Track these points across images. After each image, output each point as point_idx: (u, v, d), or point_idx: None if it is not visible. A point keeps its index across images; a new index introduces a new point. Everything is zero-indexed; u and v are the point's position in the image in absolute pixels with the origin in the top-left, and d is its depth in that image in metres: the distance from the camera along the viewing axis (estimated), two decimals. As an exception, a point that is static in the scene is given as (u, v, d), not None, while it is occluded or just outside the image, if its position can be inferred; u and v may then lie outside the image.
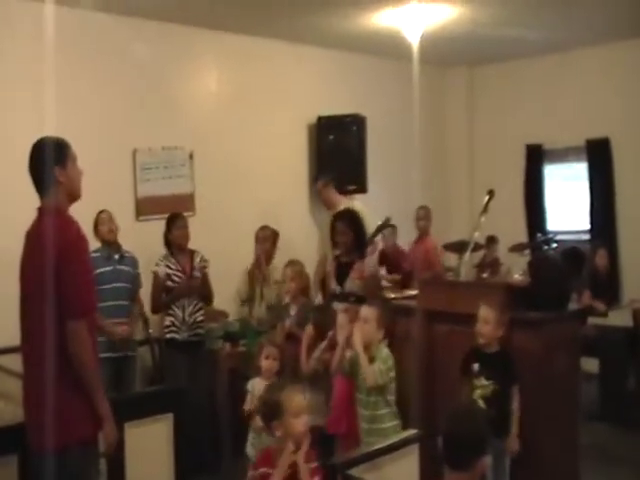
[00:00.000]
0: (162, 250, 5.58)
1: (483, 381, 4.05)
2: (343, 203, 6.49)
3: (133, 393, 5.03)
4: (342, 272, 5.39)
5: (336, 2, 5.97)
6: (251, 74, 6.96)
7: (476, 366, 4.09)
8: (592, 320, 6.24)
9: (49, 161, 3.04)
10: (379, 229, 5.78)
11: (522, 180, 8.43)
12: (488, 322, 4.06)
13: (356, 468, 2.70)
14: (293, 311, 5.10)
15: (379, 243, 6.10)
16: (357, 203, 6.49)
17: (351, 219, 5.62)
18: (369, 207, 6.57)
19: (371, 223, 6.02)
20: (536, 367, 4.25)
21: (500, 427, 3.87)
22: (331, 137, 7.26)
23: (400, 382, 4.21)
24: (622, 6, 6.27)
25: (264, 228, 6.14)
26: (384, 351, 4.22)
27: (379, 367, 4.13)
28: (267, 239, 6.07)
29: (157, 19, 6.13)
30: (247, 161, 6.85)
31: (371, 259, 5.45)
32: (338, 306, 4.80)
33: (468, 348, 4.19)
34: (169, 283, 5.48)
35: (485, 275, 6.58)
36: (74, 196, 3.14)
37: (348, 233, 5.46)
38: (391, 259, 6.71)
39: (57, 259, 2.89)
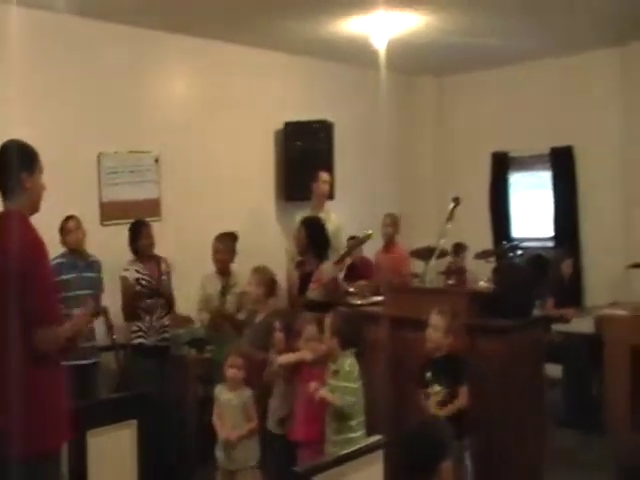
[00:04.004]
0: (127, 255, 5.53)
1: (436, 388, 4.10)
2: (324, 209, 6.50)
3: (96, 400, 4.95)
4: (305, 282, 5.36)
5: (304, 9, 5.98)
6: (219, 79, 6.94)
7: (429, 375, 4.14)
8: (556, 327, 6.31)
9: (17, 165, 2.99)
10: (356, 245, 5.78)
11: (488, 188, 8.51)
12: (438, 329, 4.12)
13: (319, 475, 2.68)
14: (259, 318, 5.06)
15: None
16: (335, 217, 6.48)
17: (310, 225, 5.60)
18: (336, 214, 6.59)
19: (344, 237, 6.04)
20: (501, 373, 4.29)
21: (457, 429, 3.89)
22: (298, 143, 7.26)
23: (366, 389, 4.20)
24: (586, 18, 6.38)
25: (221, 237, 5.95)
26: (347, 362, 4.07)
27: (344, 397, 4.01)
28: (225, 250, 5.92)
29: (124, 23, 6.09)
30: (214, 166, 6.82)
31: (329, 265, 5.42)
32: (307, 315, 4.79)
33: (419, 357, 4.22)
34: (138, 288, 5.43)
35: (451, 282, 6.62)
36: (34, 207, 3.08)
37: (307, 237, 5.45)
38: (360, 271, 6.73)
39: (21, 266, 2.84)
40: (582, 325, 6.48)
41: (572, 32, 6.90)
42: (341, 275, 6.34)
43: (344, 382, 4.00)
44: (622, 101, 7.46)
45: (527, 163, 8.41)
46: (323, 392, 4.02)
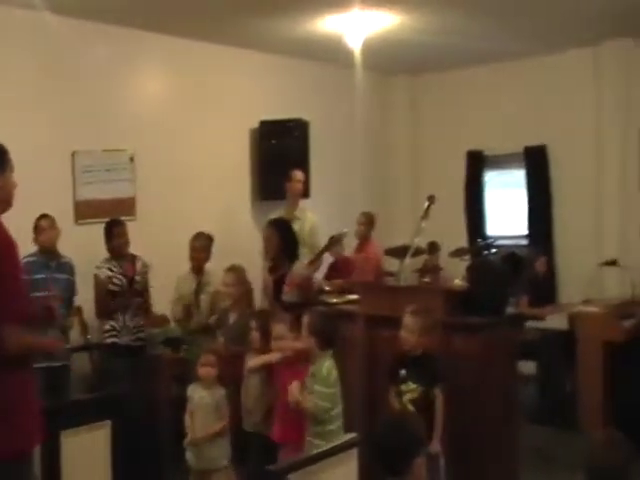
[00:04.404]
0: (102, 254, 5.50)
1: (411, 385, 4.10)
2: (300, 208, 6.49)
3: (69, 400, 4.91)
4: (279, 286, 5.36)
5: (279, 7, 5.97)
6: (194, 78, 6.91)
7: (403, 372, 4.15)
8: (530, 324, 6.36)
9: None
10: (329, 245, 5.79)
11: (463, 186, 8.56)
12: (413, 330, 4.11)
13: (295, 474, 2.69)
14: (232, 318, 5.06)
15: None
16: (311, 215, 6.47)
17: (277, 226, 5.60)
18: (312, 212, 6.59)
19: (322, 236, 6.04)
20: (475, 371, 4.32)
21: (431, 428, 3.92)
22: (273, 142, 7.25)
23: (342, 387, 4.21)
24: (559, 18, 6.43)
25: (198, 236, 5.97)
26: (325, 366, 4.04)
27: (317, 402, 3.99)
28: (202, 248, 5.93)
29: (99, 21, 6.04)
30: (189, 165, 6.79)
31: (299, 265, 5.42)
32: (281, 315, 4.78)
33: (393, 354, 4.23)
34: (111, 286, 5.40)
35: (426, 280, 6.65)
36: (5, 205, 3.04)
37: (274, 238, 5.44)
38: (341, 270, 6.74)
39: None
40: (556, 322, 6.56)
41: (545, 32, 6.96)
42: (320, 274, 6.35)
43: (319, 386, 3.99)
44: (595, 100, 7.53)
45: (501, 162, 8.47)
46: (296, 395, 4.02)
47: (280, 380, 4.34)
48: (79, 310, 5.51)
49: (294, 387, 4.07)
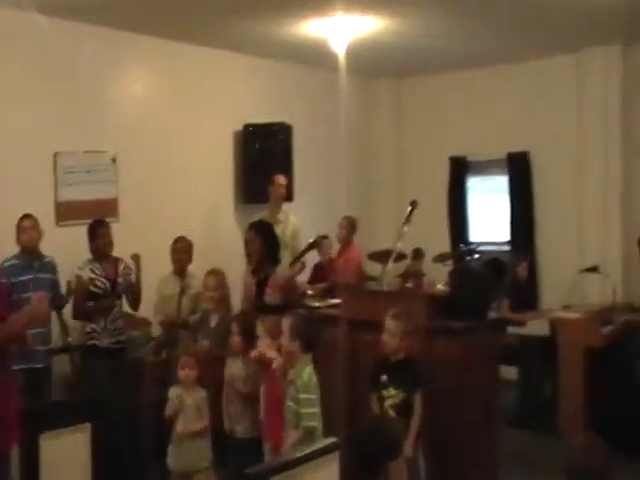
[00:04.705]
0: (83, 256, 5.46)
1: (392, 391, 4.12)
2: (283, 212, 6.49)
3: (48, 402, 4.87)
4: (261, 288, 5.35)
5: (264, 11, 5.97)
6: (178, 80, 6.89)
7: (384, 377, 4.15)
8: (511, 329, 6.40)
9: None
10: (308, 248, 5.80)
11: (446, 191, 8.59)
12: (394, 334, 4.13)
13: (275, 477, 2.68)
14: (213, 321, 5.06)
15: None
16: (293, 218, 6.48)
17: (260, 229, 5.62)
18: (295, 215, 6.59)
19: (303, 240, 6.05)
20: (456, 375, 4.34)
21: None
22: (257, 145, 7.24)
23: (324, 391, 4.21)
24: (543, 24, 6.47)
25: (179, 239, 5.97)
26: (305, 372, 4.02)
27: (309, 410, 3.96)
28: (184, 250, 5.93)
29: (83, 21, 6.00)
30: (173, 167, 6.76)
31: (283, 268, 5.43)
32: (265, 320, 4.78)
33: (375, 359, 4.23)
34: (92, 288, 5.36)
35: (409, 285, 6.67)
36: None
37: (257, 241, 5.45)
38: (325, 273, 6.76)
39: None
40: (537, 328, 6.59)
41: (530, 38, 6.99)
42: (303, 277, 6.36)
43: (305, 394, 3.95)
44: (577, 107, 7.59)
45: (484, 167, 8.50)
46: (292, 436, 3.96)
47: (270, 382, 4.33)
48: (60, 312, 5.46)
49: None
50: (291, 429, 3.99)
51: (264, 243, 5.49)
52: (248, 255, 5.65)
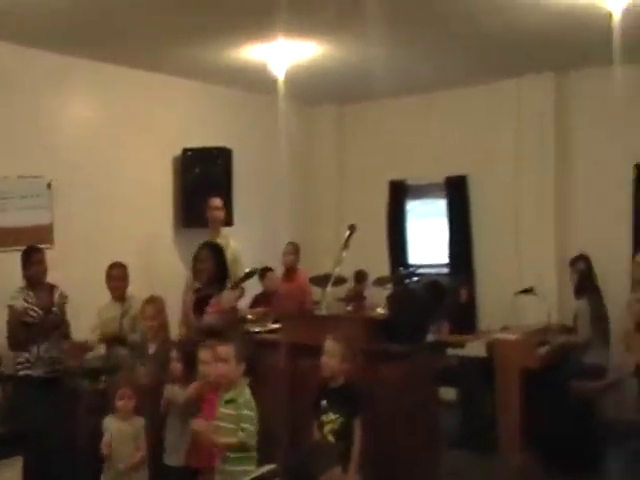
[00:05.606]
0: (16, 284, 5.33)
1: (331, 416, 4.11)
2: (222, 236, 6.46)
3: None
4: (201, 306, 5.34)
5: (203, 35, 5.97)
6: (117, 104, 6.83)
7: (324, 403, 4.15)
8: (450, 351, 6.46)
9: None
10: (245, 277, 5.80)
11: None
12: (333, 355, 4.14)
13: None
14: (152, 349, 5.00)
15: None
16: (233, 243, 6.46)
17: (215, 249, 5.63)
18: (236, 241, 6.56)
19: (243, 266, 6.04)
20: (396, 397, 4.36)
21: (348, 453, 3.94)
22: (197, 170, 7.21)
23: (263, 417, 4.18)
24: (483, 51, 6.62)
25: (114, 265, 5.89)
26: (246, 390, 4.01)
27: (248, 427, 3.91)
28: (119, 277, 5.85)
29: (19, 43, 5.91)
30: (111, 192, 6.68)
31: (229, 293, 5.42)
32: (199, 342, 4.72)
33: (316, 385, 4.23)
34: (26, 318, 5.23)
35: (350, 308, 6.70)
36: None
37: (209, 261, 5.46)
38: (266, 300, 6.75)
39: None
40: (476, 349, 6.66)
41: (469, 64, 7.14)
42: (242, 303, 6.33)
43: (247, 411, 3.92)
44: (513, 132, 7.76)
45: (423, 191, 8.62)
46: (216, 437, 3.92)
47: (206, 405, 4.27)
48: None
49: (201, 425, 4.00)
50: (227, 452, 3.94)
51: (216, 264, 5.50)
52: (197, 272, 5.61)
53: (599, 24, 5.42)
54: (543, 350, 6.06)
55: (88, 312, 5.75)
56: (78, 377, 5.63)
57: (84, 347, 5.76)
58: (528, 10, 5.48)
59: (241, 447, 3.88)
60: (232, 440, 3.85)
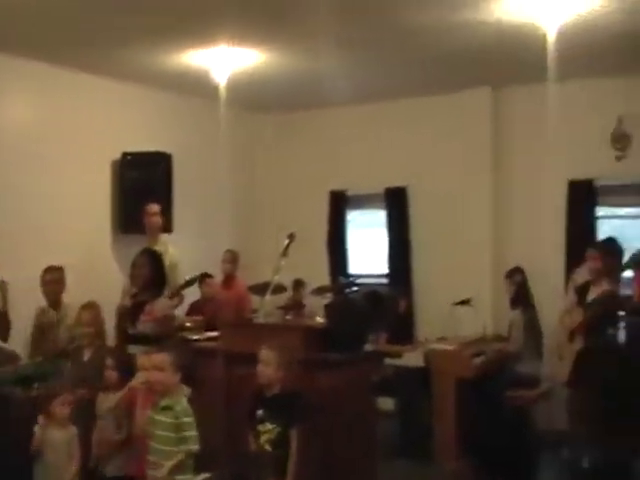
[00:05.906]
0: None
1: (268, 426, 4.10)
2: (161, 242, 6.39)
3: None
4: (136, 312, 5.28)
5: (144, 39, 5.91)
6: (55, 106, 6.69)
7: (260, 412, 4.14)
8: (388, 361, 6.51)
9: None
10: (186, 285, 5.75)
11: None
12: (269, 363, 4.14)
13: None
14: (87, 355, 4.91)
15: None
16: (172, 250, 6.39)
17: (152, 256, 5.59)
18: (175, 247, 6.49)
19: (182, 273, 6.00)
20: (334, 407, 4.37)
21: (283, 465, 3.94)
22: (136, 174, 7.11)
23: (200, 426, 4.14)
24: (425, 64, 6.72)
25: (48, 270, 5.75)
26: (183, 398, 4.01)
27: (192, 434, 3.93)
28: (54, 281, 5.72)
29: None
30: (48, 196, 6.52)
31: (164, 300, 5.36)
32: (134, 349, 4.67)
33: (251, 394, 4.22)
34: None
35: (289, 317, 6.69)
36: None
37: (147, 267, 5.41)
38: (204, 308, 6.69)
39: None
40: (413, 359, 6.73)
41: (412, 76, 7.22)
42: (179, 310, 6.27)
43: (186, 417, 3.91)
44: (452, 145, 7.87)
45: (364, 202, 8.68)
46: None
47: (139, 412, 4.22)
48: None
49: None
50: (162, 460, 3.89)
51: (154, 271, 5.46)
52: (134, 278, 5.55)
53: (535, 43, 5.58)
54: (478, 360, 6.17)
55: (21, 319, 5.61)
56: (10, 384, 5.48)
57: (14, 357, 5.62)
58: (468, 28, 5.61)
59: (187, 458, 3.86)
60: (178, 458, 3.84)
